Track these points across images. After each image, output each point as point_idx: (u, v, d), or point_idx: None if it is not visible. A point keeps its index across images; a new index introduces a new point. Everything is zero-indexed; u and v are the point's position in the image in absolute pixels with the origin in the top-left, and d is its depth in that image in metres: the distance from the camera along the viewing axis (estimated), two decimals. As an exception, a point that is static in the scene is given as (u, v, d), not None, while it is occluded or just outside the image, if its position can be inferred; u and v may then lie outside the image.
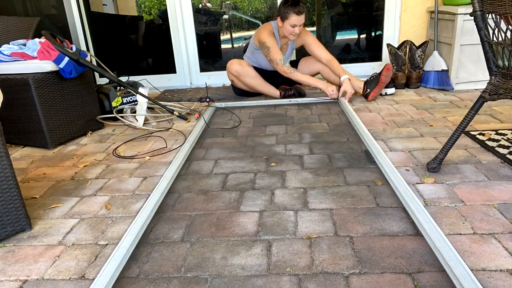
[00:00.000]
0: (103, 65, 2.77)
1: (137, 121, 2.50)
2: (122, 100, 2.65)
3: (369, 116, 2.36)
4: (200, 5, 3.50)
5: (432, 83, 2.92)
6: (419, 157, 1.73)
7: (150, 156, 1.96)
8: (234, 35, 3.68)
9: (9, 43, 2.24)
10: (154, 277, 1.08)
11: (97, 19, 3.58)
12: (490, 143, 1.80)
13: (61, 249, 1.24)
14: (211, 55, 3.65)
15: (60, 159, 2.02)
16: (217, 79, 3.60)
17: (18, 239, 1.32)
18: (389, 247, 1.13)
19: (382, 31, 3.33)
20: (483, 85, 2.82)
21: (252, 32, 3.61)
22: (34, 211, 1.50)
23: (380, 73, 2.70)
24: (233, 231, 1.27)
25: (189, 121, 2.53)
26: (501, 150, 1.71)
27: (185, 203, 1.47)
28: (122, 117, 2.56)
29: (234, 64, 2.82)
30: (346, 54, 3.55)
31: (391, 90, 2.82)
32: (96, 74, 3.71)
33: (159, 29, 3.58)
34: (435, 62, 2.88)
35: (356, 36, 3.52)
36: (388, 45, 3.03)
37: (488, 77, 2.72)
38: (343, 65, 3.33)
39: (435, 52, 2.89)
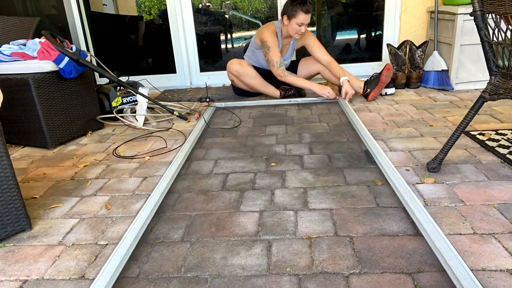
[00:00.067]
0: (103, 65, 2.77)
1: (137, 121, 2.50)
2: (122, 100, 2.65)
3: (369, 116, 2.36)
4: (200, 5, 3.50)
5: (432, 83, 2.92)
6: (419, 157, 1.73)
7: (150, 156, 1.96)
8: (234, 35, 3.68)
9: (9, 43, 2.24)
10: (154, 277, 1.08)
11: (97, 19, 3.58)
12: (490, 143, 1.80)
13: (61, 249, 1.24)
14: (211, 55, 3.65)
15: (60, 159, 2.02)
16: (217, 79, 3.60)
17: (18, 239, 1.32)
18: (389, 247, 1.13)
19: (382, 31, 3.33)
20: (483, 85, 2.82)
21: (252, 32, 3.61)
22: (34, 211, 1.50)
23: (380, 73, 2.70)
24: (233, 231, 1.27)
25: (189, 121, 2.53)
26: (501, 150, 1.71)
27: (185, 203, 1.47)
28: (122, 117, 2.56)
29: (234, 64, 2.82)
30: (346, 54, 3.55)
31: (391, 90, 2.82)
32: (96, 74, 3.71)
33: (159, 29, 3.58)
34: (435, 62, 2.88)
35: (356, 36, 3.52)
36: (388, 45, 3.03)
37: (488, 77, 2.72)
38: (343, 65, 3.34)
39: (435, 52, 2.89)
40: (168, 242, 1.23)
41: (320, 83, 2.88)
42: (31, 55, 2.13)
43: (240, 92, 3.00)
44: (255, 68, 2.89)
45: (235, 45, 3.72)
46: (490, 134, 1.90)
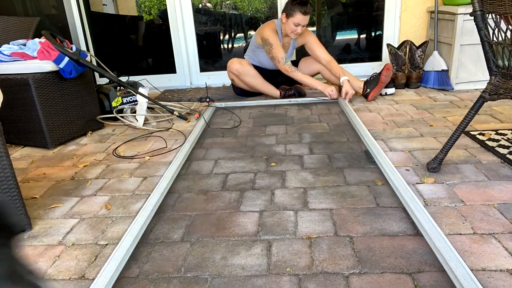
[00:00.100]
0: (103, 65, 2.77)
1: (137, 121, 2.50)
2: (122, 100, 2.65)
3: (369, 116, 2.36)
4: (200, 5, 3.50)
5: (432, 83, 2.92)
6: (419, 157, 1.73)
7: (150, 156, 1.96)
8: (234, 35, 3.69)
9: (9, 43, 2.24)
10: (154, 277, 1.08)
11: (97, 19, 3.58)
12: (490, 143, 1.80)
13: (61, 249, 1.24)
14: (211, 55, 3.65)
15: (60, 159, 2.02)
16: (217, 79, 3.60)
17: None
18: (389, 247, 1.13)
19: (382, 31, 3.33)
20: (483, 85, 2.82)
21: (252, 32, 3.61)
22: (34, 211, 1.50)
23: (380, 73, 2.70)
24: (233, 231, 1.27)
25: (189, 121, 2.53)
26: (501, 150, 1.71)
27: (185, 203, 1.47)
28: (122, 117, 2.56)
29: (234, 63, 2.82)
30: (346, 54, 3.55)
31: (391, 90, 2.82)
32: (96, 74, 3.71)
33: (159, 29, 3.58)
34: (435, 62, 2.88)
35: (356, 36, 3.52)
36: (388, 45, 3.03)
37: (488, 77, 2.72)
38: (343, 65, 3.34)
39: (435, 52, 2.89)
40: (168, 242, 1.23)
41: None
42: (31, 55, 2.13)
43: (240, 92, 3.00)
44: (256, 67, 2.89)
45: (235, 45, 3.72)
46: (490, 134, 1.90)
